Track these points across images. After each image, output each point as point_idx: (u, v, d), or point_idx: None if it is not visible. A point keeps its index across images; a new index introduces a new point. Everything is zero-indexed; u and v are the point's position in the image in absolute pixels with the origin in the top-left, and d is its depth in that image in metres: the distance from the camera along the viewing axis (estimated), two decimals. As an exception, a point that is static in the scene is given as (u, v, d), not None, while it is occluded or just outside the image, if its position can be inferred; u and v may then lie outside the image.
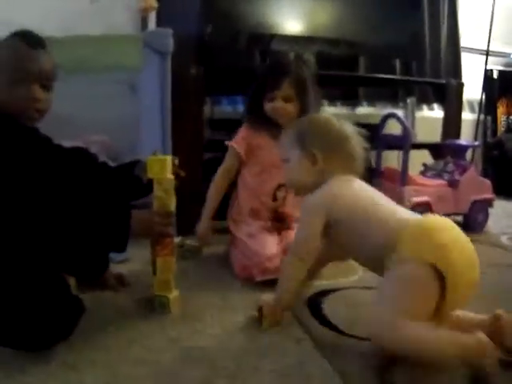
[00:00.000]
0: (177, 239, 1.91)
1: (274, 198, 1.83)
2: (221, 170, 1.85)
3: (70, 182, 1.30)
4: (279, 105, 1.76)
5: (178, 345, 1.20)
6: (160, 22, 2.53)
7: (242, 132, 1.85)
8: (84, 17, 2.41)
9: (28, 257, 1.15)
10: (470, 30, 3.55)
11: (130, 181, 1.45)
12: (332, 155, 1.27)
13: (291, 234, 1.76)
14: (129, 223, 1.23)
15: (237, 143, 1.83)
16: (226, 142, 1.86)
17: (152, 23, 2.55)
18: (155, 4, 2.50)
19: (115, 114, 2.22)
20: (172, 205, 1.34)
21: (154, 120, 1.97)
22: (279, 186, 1.82)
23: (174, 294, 1.39)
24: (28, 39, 1.23)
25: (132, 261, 1.77)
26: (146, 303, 1.41)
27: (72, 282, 1.41)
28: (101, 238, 1.22)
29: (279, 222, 1.84)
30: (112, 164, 1.93)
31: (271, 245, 1.68)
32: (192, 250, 1.90)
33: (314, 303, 1.40)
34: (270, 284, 1.52)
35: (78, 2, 2.45)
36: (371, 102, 3.06)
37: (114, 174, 1.48)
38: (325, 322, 1.31)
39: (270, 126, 1.81)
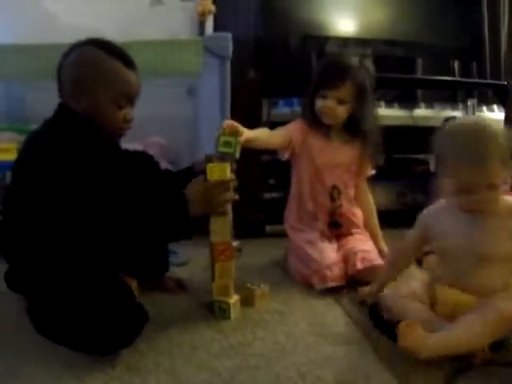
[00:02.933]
0: (235, 243, 1.92)
1: (332, 199, 1.81)
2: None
3: (134, 185, 1.32)
4: (330, 104, 1.71)
5: (239, 351, 1.20)
6: (217, 26, 2.54)
7: (298, 124, 1.81)
8: (142, 21, 2.44)
9: (93, 260, 1.19)
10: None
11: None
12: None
13: (350, 241, 1.75)
14: (185, 206, 1.22)
15: (293, 130, 1.78)
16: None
17: (210, 27, 2.56)
18: (213, 8, 2.51)
19: (173, 117, 2.27)
20: (227, 174, 1.33)
21: (213, 124, 1.98)
22: (334, 187, 1.80)
23: (234, 299, 1.40)
24: (124, 60, 1.27)
25: (191, 264, 1.79)
26: (207, 308, 1.42)
27: (133, 284, 1.44)
28: (163, 230, 1.23)
29: (336, 227, 1.82)
30: (170, 167, 1.99)
31: (330, 252, 1.66)
32: None
33: (377, 312, 1.37)
34: (330, 292, 1.52)
35: (137, 7, 2.49)
36: (429, 103, 2.98)
37: (175, 177, 1.50)
38: (388, 331, 1.28)
39: (320, 125, 1.77)
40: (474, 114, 2.76)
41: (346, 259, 1.66)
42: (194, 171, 1.46)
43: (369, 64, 1.82)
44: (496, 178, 1.13)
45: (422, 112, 2.90)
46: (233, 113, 2.02)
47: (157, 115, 2.28)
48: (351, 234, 1.81)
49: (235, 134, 1.40)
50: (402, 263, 1.42)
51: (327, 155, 1.79)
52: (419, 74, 2.83)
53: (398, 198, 2.40)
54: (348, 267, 1.64)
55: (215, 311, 1.39)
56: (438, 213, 1.30)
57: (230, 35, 1.97)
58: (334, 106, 1.71)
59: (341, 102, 1.71)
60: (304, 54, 2.61)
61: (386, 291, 1.36)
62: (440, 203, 1.31)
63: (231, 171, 1.39)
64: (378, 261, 1.65)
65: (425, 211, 1.34)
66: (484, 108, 3.16)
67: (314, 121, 1.77)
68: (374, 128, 1.79)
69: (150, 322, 1.24)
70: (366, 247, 1.71)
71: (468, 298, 1.21)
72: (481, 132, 1.15)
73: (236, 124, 1.45)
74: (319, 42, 2.60)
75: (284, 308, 1.46)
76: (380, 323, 1.31)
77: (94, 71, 1.24)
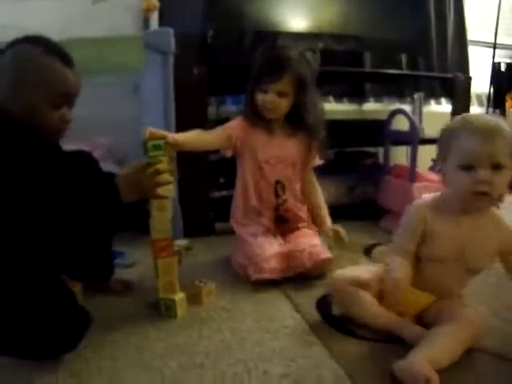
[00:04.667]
0: (183, 242, 1.89)
1: (276, 194, 1.79)
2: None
3: (70, 184, 1.27)
4: (271, 98, 1.68)
5: (185, 351, 1.17)
6: (162, 23, 2.50)
7: (239, 121, 1.77)
8: (86, 18, 2.38)
9: (34, 265, 1.14)
10: (477, 23, 3.50)
11: None
12: None
13: (296, 236, 1.74)
14: (116, 192, 1.19)
15: (233, 128, 1.75)
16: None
17: (155, 23, 2.52)
18: (157, 4, 2.47)
19: (120, 116, 2.22)
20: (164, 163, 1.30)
21: (156, 121, 1.94)
22: (278, 183, 1.78)
23: (179, 296, 1.37)
24: (62, 57, 1.21)
25: (139, 265, 1.75)
26: (153, 308, 1.39)
27: (78, 288, 1.39)
28: (97, 220, 1.19)
29: (282, 222, 1.80)
30: (116, 168, 1.93)
31: (270, 246, 1.64)
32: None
33: (324, 305, 1.37)
34: (277, 286, 1.52)
35: (79, 4, 2.42)
36: (378, 97, 3.01)
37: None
38: (335, 324, 1.28)
39: (263, 120, 1.75)
40: (421, 107, 2.80)
41: (293, 257, 1.63)
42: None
43: (310, 56, 1.74)
44: (501, 159, 1.10)
45: (370, 106, 2.94)
46: (179, 111, 1.98)
47: (103, 115, 2.23)
48: (298, 228, 1.79)
49: (161, 137, 1.36)
50: None
51: (269, 151, 1.76)
52: (367, 68, 2.85)
53: (348, 191, 2.41)
54: (296, 266, 1.62)
55: (161, 310, 1.36)
56: (430, 211, 1.22)
57: (171, 30, 1.92)
58: (274, 100, 1.69)
59: (281, 94, 1.68)
60: (252, 50, 2.59)
61: (339, 277, 1.33)
62: (434, 197, 1.25)
63: (171, 159, 1.38)
64: (326, 254, 1.64)
65: (419, 206, 1.25)
66: (432, 101, 3.24)
67: (255, 116, 1.75)
68: (318, 120, 1.77)
69: (95, 326, 1.21)
70: (312, 241, 1.69)
71: (428, 299, 1.23)
72: (491, 119, 1.15)
73: (157, 130, 1.42)
74: (268, 37, 2.58)
75: (231, 305, 1.44)
76: (328, 316, 1.31)
77: (30, 70, 1.18)
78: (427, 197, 1.25)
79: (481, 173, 1.09)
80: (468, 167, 1.11)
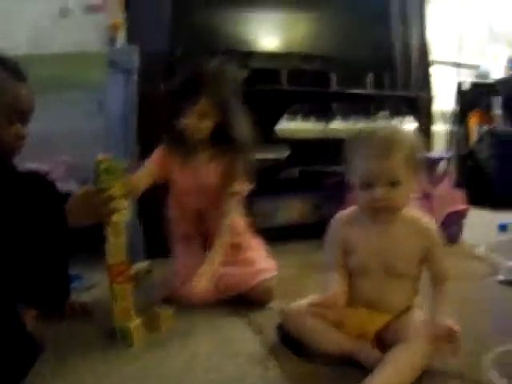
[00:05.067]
0: (143, 264, 1.86)
1: (200, 222, 1.73)
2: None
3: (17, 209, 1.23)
4: (190, 121, 1.60)
5: (139, 378, 1.15)
6: (129, 40, 2.48)
7: (159, 150, 1.71)
8: (52, 34, 2.36)
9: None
10: (442, 43, 3.58)
11: None
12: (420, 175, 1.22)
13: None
14: (62, 216, 1.15)
15: (154, 161, 1.70)
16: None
17: (121, 41, 2.50)
18: (123, 21, 2.46)
19: (83, 133, 2.19)
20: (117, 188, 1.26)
21: (120, 138, 1.92)
22: (198, 210, 1.73)
23: (135, 323, 1.34)
24: (14, 72, 1.18)
25: (98, 288, 1.72)
26: (110, 334, 1.35)
27: (30, 315, 1.35)
28: (42, 244, 1.14)
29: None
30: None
31: (191, 270, 1.60)
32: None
33: (284, 328, 1.35)
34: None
35: (44, 19, 2.39)
36: (345, 116, 3.04)
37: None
38: (294, 348, 1.27)
39: (184, 145, 1.67)
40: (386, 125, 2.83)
41: (224, 281, 1.60)
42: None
43: (234, 70, 1.68)
44: (397, 175, 1.14)
45: (337, 125, 2.96)
46: (145, 129, 1.96)
47: (67, 132, 2.20)
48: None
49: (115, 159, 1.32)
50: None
51: (187, 179, 1.70)
52: (334, 88, 2.88)
53: (313, 210, 2.41)
54: (228, 289, 1.59)
55: (117, 337, 1.33)
56: (347, 225, 1.27)
57: (136, 48, 1.91)
58: (195, 123, 1.61)
59: (202, 115, 1.60)
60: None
61: (292, 307, 1.33)
62: (350, 211, 1.29)
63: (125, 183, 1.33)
64: (262, 278, 1.61)
65: (336, 223, 1.31)
66: (397, 119, 3.28)
67: (175, 143, 1.68)
68: (245, 137, 1.66)
69: (52, 353, 1.19)
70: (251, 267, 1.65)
71: (383, 318, 1.22)
72: (388, 132, 1.21)
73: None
74: (235, 57, 2.59)
75: (189, 329, 1.41)
76: (287, 340, 1.29)
77: None
78: (344, 211, 1.29)
79: (377, 191, 1.14)
80: (366, 185, 1.16)
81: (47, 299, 1.35)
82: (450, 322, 1.13)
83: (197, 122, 1.61)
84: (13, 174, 1.31)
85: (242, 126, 1.65)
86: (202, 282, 1.54)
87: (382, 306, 1.23)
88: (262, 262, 1.69)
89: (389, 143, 1.16)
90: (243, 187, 1.70)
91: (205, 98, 1.58)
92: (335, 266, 1.26)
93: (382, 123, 2.84)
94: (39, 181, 1.34)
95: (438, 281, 1.23)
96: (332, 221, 1.31)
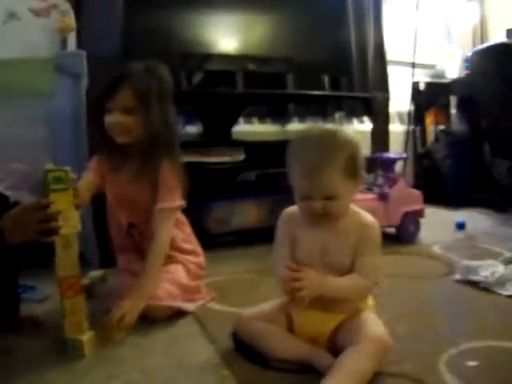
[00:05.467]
0: (97, 272, 1.82)
1: (131, 236, 1.67)
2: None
3: None
4: (114, 118, 1.51)
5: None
6: (81, 45, 2.43)
7: (94, 158, 1.64)
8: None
9: None
10: (398, 44, 3.63)
11: None
12: (362, 176, 1.22)
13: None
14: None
15: (91, 171, 1.61)
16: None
17: (72, 45, 2.44)
18: (73, 25, 2.40)
19: (31, 142, 2.12)
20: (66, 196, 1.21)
21: (68, 145, 1.86)
22: (131, 225, 1.66)
23: (87, 336, 1.29)
24: None
25: (52, 299, 1.65)
26: (61, 346, 1.30)
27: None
28: None
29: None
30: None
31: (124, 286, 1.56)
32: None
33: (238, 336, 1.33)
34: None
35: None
36: (302, 118, 3.05)
37: None
38: (249, 354, 1.25)
39: (113, 153, 1.58)
40: (342, 125, 2.86)
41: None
42: None
43: (161, 70, 1.58)
44: (333, 191, 1.15)
45: (294, 126, 2.97)
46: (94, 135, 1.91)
47: (14, 140, 2.13)
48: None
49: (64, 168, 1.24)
50: None
51: (115, 189, 1.63)
52: (291, 90, 2.88)
53: (269, 214, 2.39)
54: None
55: (68, 350, 1.28)
56: (294, 222, 1.28)
57: (84, 52, 1.86)
58: (119, 118, 1.51)
59: (126, 111, 1.51)
60: (175, 71, 2.56)
61: (245, 313, 1.31)
62: (292, 209, 1.30)
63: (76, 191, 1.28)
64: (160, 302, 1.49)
65: (283, 218, 1.32)
66: (354, 120, 3.31)
67: (105, 147, 1.59)
68: (168, 139, 1.58)
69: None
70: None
71: (333, 320, 1.21)
72: (318, 144, 1.17)
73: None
74: (188, 59, 2.56)
75: (143, 341, 1.37)
76: (242, 347, 1.27)
77: None
78: (292, 207, 1.30)
79: (314, 204, 1.16)
80: (304, 197, 1.18)
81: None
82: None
83: (120, 117, 1.51)
84: None
85: (166, 126, 1.56)
86: (125, 318, 1.38)
87: (328, 305, 1.22)
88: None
89: (322, 157, 1.14)
90: (174, 202, 1.58)
91: (128, 90, 1.50)
92: (283, 259, 1.25)
93: (336, 124, 2.88)
94: None
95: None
96: (280, 216, 1.33)
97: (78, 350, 1.27)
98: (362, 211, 1.26)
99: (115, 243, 1.71)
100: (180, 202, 1.59)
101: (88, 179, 1.58)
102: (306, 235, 1.25)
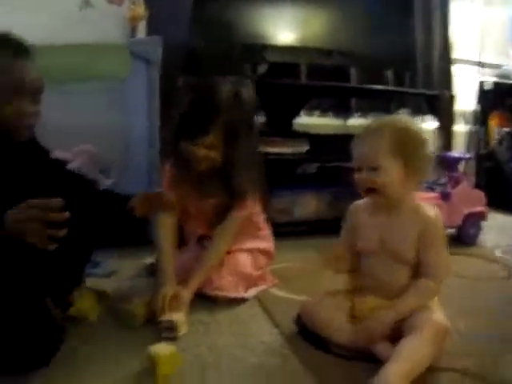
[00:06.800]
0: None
1: (202, 246, 1.69)
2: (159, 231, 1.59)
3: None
4: (202, 153, 1.51)
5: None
6: (150, 31, 2.49)
7: (168, 174, 1.64)
8: (73, 25, 2.36)
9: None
10: (464, 42, 3.54)
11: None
12: (420, 167, 1.22)
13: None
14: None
15: (170, 191, 1.57)
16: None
17: (142, 32, 2.51)
18: (143, 13, 2.46)
19: (104, 124, 2.20)
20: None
21: (141, 130, 1.92)
22: (203, 237, 1.70)
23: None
24: (13, 48, 1.15)
25: (117, 275, 1.73)
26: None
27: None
28: None
29: None
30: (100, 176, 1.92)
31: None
32: None
33: (302, 321, 1.34)
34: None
35: (66, 9, 2.40)
36: (363, 113, 3.02)
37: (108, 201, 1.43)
38: (312, 339, 1.26)
39: (189, 174, 1.59)
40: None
41: None
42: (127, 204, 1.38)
43: (246, 93, 1.61)
44: (374, 160, 1.18)
45: (356, 121, 2.94)
46: (165, 121, 1.96)
47: (86, 122, 2.22)
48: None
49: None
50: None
51: (188, 206, 1.66)
52: (353, 83, 2.86)
53: (331, 206, 2.40)
54: None
55: (126, 319, 1.35)
56: (358, 211, 1.32)
57: (159, 39, 1.91)
58: (203, 153, 1.52)
59: (211, 147, 1.52)
60: (239, 61, 2.60)
61: (309, 300, 1.34)
62: (363, 201, 1.32)
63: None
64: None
65: (350, 208, 1.36)
66: (417, 118, 3.25)
67: (180, 167, 1.60)
68: (252, 167, 1.59)
69: (68, 342, 1.19)
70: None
71: (386, 306, 1.21)
72: (381, 121, 1.25)
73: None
74: (255, 50, 2.59)
75: (209, 319, 1.41)
76: (305, 332, 1.29)
77: None
78: (359, 201, 1.33)
79: (359, 175, 1.21)
80: (355, 169, 1.22)
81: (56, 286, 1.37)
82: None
83: (205, 151, 1.52)
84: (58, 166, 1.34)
85: (251, 156, 1.60)
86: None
87: (388, 292, 1.23)
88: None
89: (373, 130, 1.21)
90: (246, 210, 1.63)
91: (217, 130, 1.50)
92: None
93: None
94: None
95: (421, 274, 1.21)
96: (348, 209, 1.37)
97: (132, 320, 1.34)
98: (425, 204, 1.26)
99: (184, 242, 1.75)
100: (252, 209, 1.66)
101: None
102: (366, 222, 1.28)
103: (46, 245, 0.99)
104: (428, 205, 1.26)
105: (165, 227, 1.58)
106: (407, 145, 1.18)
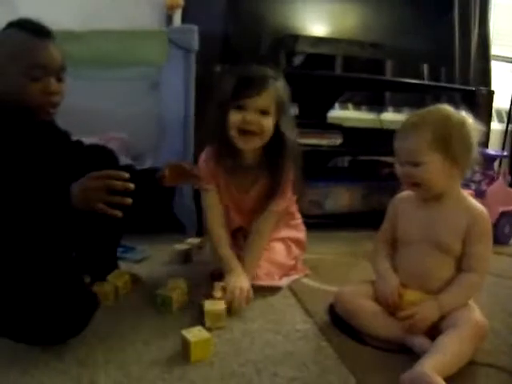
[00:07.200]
0: (195, 240, 1.87)
1: (237, 238, 1.67)
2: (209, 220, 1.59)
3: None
4: (251, 116, 1.43)
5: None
6: (185, 20, 2.50)
7: (206, 159, 1.58)
8: (107, 11, 2.39)
9: (37, 247, 1.14)
10: (502, 38, 3.46)
11: (151, 184, 1.43)
12: (466, 158, 1.20)
13: None
14: (64, 195, 1.10)
15: (209, 183, 1.57)
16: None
17: (178, 20, 2.52)
18: (181, 1, 2.47)
19: (137, 111, 2.22)
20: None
21: (176, 118, 1.93)
22: (239, 229, 1.68)
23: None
24: (35, 30, 1.19)
25: (150, 260, 1.74)
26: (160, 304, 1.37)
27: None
28: (42, 217, 1.13)
29: None
30: (132, 163, 1.93)
31: None
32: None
33: (335, 310, 1.34)
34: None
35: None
36: (397, 107, 2.99)
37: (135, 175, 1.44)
38: (347, 330, 1.26)
39: (233, 157, 1.53)
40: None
41: None
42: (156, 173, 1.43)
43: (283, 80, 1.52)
44: (415, 156, 1.18)
45: (389, 115, 2.91)
46: (198, 108, 1.97)
47: (119, 109, 2.24)
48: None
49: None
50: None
51: (228, 196, 1.61)
52: (388, 77, 2.83)
53: (363, 199, 2.37)
54: None
55: (160, 305, 1.36)
56: (401, 201, 1.33)
57: (196, 27, 1.91)
58: (255, 118, 1.43)
59: (264, 112, 1.44)
60: (273, 51, 2.59)
61: (344, 290, 1.34)
62: (407, 192, 1.32)
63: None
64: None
65: (394, 199, 1.37)
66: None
67: (225, 147, 1.52)
68: (297, 149, 1.55)
69: (102, 317, 1.20)
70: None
71: (422, 298, 1.20)
72: (421, 113, 1.22)
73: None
74: (289, 40, 2.57)
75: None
76: (339, 322, 1.29)
77: (2, 48, 1.18)
78: (403, 192, 1.34)
79: (400, 169, 1.22)
80: (398, 163, 1.23)
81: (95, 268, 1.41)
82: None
83: (259, 117, 1.44)
84: (79, 146, 1.36)
85: (295, 134, 1.54)
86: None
87: (423, 280, 1.22)
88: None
89: (413, 125, 1.19)
90: (284, 204, 1.60)
91: (268, 93, 1.44)
92: (381, 238, 1.36)
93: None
94: (107, 154, 1.38)
95: (465, 267, 1.20)
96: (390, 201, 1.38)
97: (166, 305, 1.34)
98: (471, 197, 1.25)
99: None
100: (291, 200, 1.66)
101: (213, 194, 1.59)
102: (410, 213, 1.28)
103: (112, 211, 1.10)
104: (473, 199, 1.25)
105: (216, 216, 1.58)
106: (449, 137, 1.16)
